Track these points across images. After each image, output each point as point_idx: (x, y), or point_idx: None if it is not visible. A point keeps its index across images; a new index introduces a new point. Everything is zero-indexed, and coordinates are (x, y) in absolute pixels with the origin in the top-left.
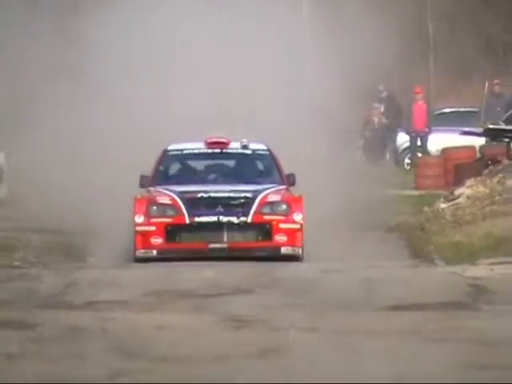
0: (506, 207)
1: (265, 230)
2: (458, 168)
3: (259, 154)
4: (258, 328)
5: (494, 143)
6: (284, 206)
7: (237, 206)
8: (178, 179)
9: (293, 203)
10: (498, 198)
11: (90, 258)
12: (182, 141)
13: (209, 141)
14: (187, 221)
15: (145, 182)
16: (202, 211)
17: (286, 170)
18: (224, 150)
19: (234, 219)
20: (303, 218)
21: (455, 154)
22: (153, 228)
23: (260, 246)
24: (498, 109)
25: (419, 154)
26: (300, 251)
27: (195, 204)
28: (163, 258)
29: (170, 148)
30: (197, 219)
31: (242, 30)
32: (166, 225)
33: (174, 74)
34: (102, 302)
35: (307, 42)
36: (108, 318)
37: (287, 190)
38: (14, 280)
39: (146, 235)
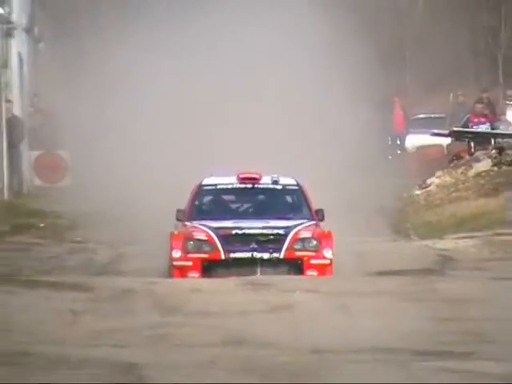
0: (468, 193)
1: (296, 266)
2: (430, 162)
3: (289, 189)
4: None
5: (458, 142)
6: (314, 242)
7: (269, 242)
8: (212, 214)
9: (323, 239)
10: (461, 186)
11: (136, 235)
12: (216, 174)
13: (241, 176)
14: (223, 257)
15: (181, 215)
16: (237, 247)
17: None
18: (255, 185)
19: (267, 255)
20: (333, 253)
21: (427, 150)
22: (190, 263)
23: None
24: (462, 115)
25: (398, 152)
26: None
27: (230, 240)
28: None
29: (204, 183)
30: (232, 255)
31: (273, 83)
32: (203, 260)
33: (213, 116)
34: (146, 269)
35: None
36: (152, 282)
37: (317, 225)
38: (76, 253)
39: (183, 270)
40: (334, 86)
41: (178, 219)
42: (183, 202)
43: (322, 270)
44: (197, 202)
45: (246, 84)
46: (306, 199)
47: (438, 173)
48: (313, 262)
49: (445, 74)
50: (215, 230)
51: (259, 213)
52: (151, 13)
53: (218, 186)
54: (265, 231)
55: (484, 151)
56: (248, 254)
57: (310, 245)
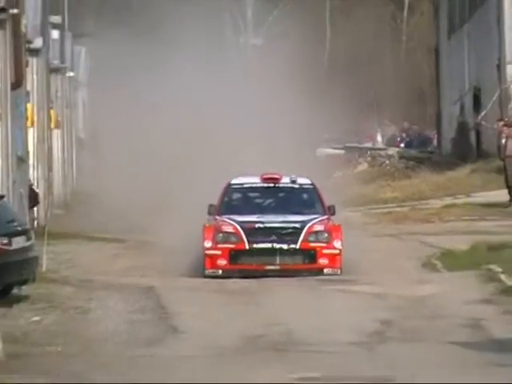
0: (355, 182)
1: (310, 255)
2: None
3: (305, 188)
4: None
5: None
6: (326, 235)
7: (287, 235)
8: (239, 209)
9: (333, 232)
10: (352, 178)
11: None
12: (243, 175)
13: (264, 176)
14: (247, 247)
15: (212, 210)
16: (259, 239)
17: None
18: (276, 185)
19: (285, 246)
20: (342, 244)
21: (331, 157)
22: (219, 252)
23: (306, 268)
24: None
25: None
26: (339, 271)
27: (253, 233)
28: (227, 276)
29: (232, 182)
30: (255, 246)
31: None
32: (230, 250)
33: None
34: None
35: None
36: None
37: (329, 219)
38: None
39: (213, 258)
40: (281, 117)
41: (209, 213)
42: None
43: (333, 258)
44: (226, 199)
45: (232, 118)
46: (319, 197)
47: (338, 170)
48: (325, 251)
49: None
50: (241, 223)
51: (279, 209)
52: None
53: (244, 185)
54: (283, 225)
55: (363, 158)
56: (269, 245)
57: (323, 237)
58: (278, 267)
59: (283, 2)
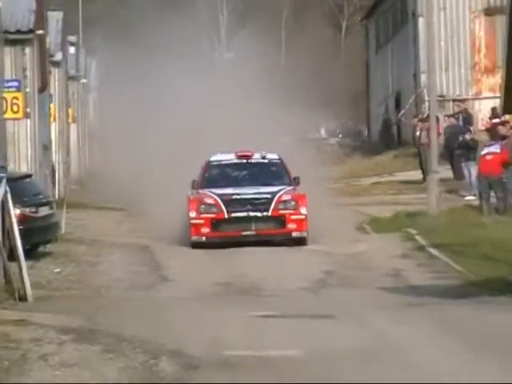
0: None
1: (281, 221)
2: None
3: (273, 162)
4: None
5: None
6: (293, 203)
7: (260, 204)
8: (218, 183)
9: (299, 200)
10: None
11: None
12: (220, 152)
13: (238, 153)
14: (226, 216)
15: (195, 185)
16: (237, 208)
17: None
18: (249, 160)
19: (259, 214)
20: (307, 210)
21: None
22: (202, 221)
23: (277, 233)
24: None
25: None
26: (305, 234)
27: (231, 203)
28: (210, 242)
29: (211, 159)
30: (233, 214)
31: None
32: (212, 219)
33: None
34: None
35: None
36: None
37: (295, 189)
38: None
39: (197, 226)
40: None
41: (192, 187)
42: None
43: (300, 223)
44: (206, 174)
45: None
46: (285, 169)
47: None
48: (292, 217)
49: None
50: (220, 195)
51: (252, 181)
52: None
53: (222, 162)
54: (257, 196)
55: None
56: (245, 214)
57: (290, 205)
58: (253, 232)
59: (251, 23)
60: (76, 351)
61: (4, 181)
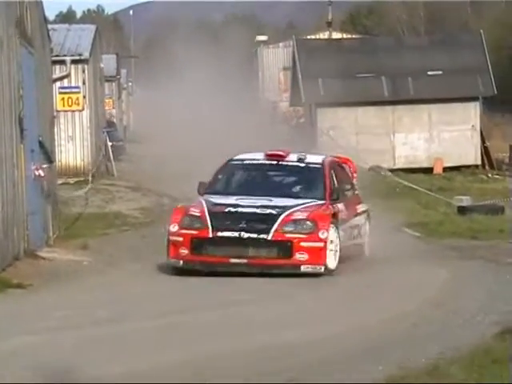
0: None
1: (285, 248)
2: None
3: (311, 168)
4: None
5: None
6: (309, 224)
7: (260, 222)
8: (227, 189)
9: (319, 220)
10: None
11: None
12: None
13: (268, 153)
14: (210, 234)
15: (200, 188)
16: (226, 226)
17: None
18: (280, 162)
19: (255, 235)
20: (329, 235)
21: None
22: (181, 239)
23: (280, 264)
24: None
25: None
26: (322, 269)
27: (221, 218)
28: (189, 268)
29: (234, 158)
30: (219, 234)
31: None
32: (192, 237)
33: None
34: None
35: None
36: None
37: (324, 206)
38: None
39: (176, 245)
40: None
41: (198, 192)
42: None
43: (315, 253)
44: (219, 176)
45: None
46: (324, 178)
47: None
48: (304, 244)
49: None
50: (211, 206)
51: (273, 190)
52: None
53: (245, 162)
54: (258, 210)
55: None
56: (236, 234)
57: (303, 226)
58: (245, 261)
59: None
60: (130, 194)
61: (105, 131)
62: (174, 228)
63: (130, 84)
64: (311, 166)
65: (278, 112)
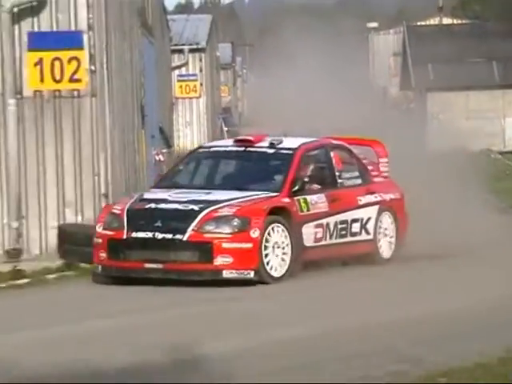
0: None
1: (204, 250)
2: None
3: (279, 154)
4: None
5: None
6: (237, 221)
7: (179, 220)
8: (177, 182)
9: (253, 216)
10: None
11: None
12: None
13: (237, 138)
14: (125, 236)
15: (155, 181)
16: (141, 226)
17: None
18: (247, 149)
19: (169, 236)
20: (262, 234)
21: None
22: (100, 241)
23: (198, 268)
24: None
25: None
26: (252, 274)
27: (138, 216)
28: (107, 275)
29: (203, 145)
30: (133, 234)
31: None
32: (109, 239)
33: None
34: None
35: None
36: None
37: (273, 198)
38: None
39: (97, 248)
40: None
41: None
42: None
43: (243, 255)
44: (177, 167)
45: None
46: (289, 167)
47: None
48: (226, 245)
49: None
50: (134, 203)
51: (224, 182)
52: None
53: (211, 149)
54: (180, 206)
55: None
56: (149, 235)
57: (228, 224)
58: (160, 266)
59: None
60: None
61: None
62: (99, 228)
63: (245, 71)
64: (281, 152)
65: (388, 97)
